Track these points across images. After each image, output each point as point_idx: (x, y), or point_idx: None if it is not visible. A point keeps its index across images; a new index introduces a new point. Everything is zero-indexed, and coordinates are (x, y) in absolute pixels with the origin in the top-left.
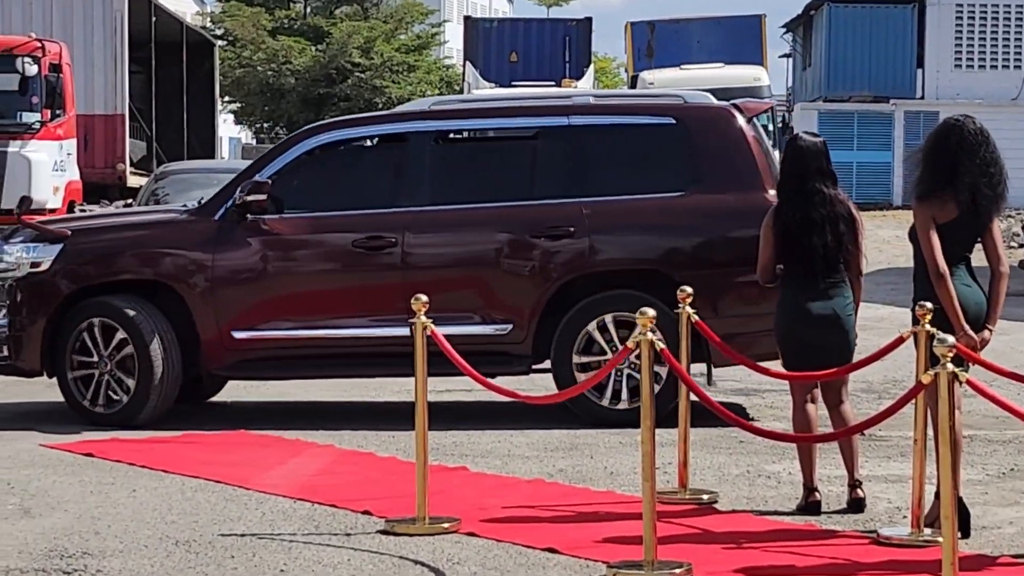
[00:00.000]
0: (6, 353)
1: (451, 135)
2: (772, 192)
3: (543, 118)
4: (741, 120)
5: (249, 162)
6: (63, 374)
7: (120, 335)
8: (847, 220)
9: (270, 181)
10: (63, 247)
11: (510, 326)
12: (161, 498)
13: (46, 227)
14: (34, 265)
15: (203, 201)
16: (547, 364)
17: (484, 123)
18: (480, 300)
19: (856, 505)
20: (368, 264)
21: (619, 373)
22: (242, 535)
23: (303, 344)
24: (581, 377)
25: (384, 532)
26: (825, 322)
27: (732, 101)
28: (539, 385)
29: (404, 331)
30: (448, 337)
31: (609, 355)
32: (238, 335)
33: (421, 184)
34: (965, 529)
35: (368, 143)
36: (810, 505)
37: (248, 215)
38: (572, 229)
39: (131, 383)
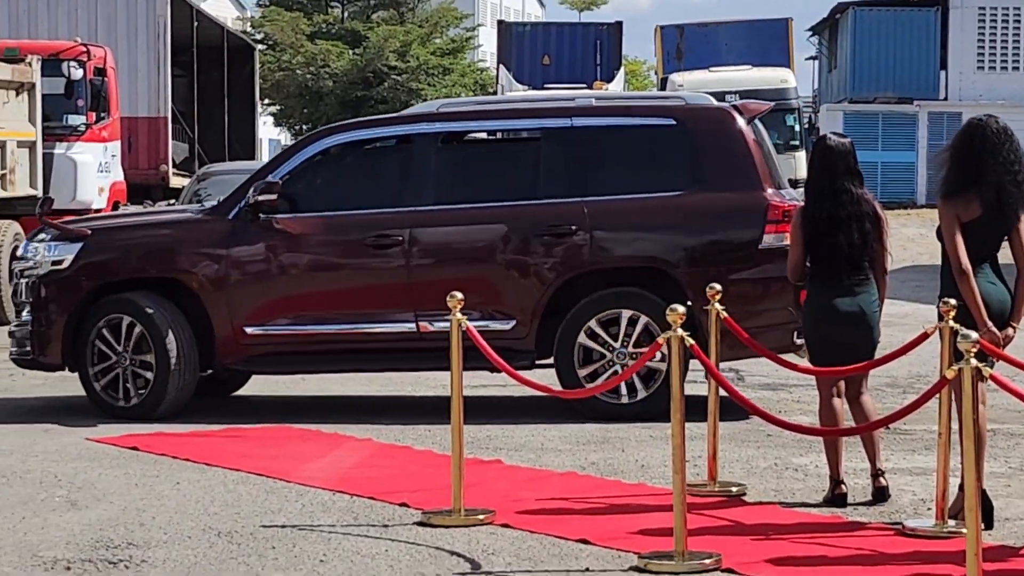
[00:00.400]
0: (29, 348)
1: (456, 136)
2: (770, 191)
3: (546, 120)
4: (741, 121)
5: None
6: (84, 369)
7: (138, 331)
8: (872, 219)
9: (280, 182)
10: (83, 246)
11: (513, 322)
12: (204, 490)
13: (67, 226)
14: (55, 263)
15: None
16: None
17: (489, 125)
18: (484, 297)
19: (880, 494)
20: (375, 262)
21: (616, 367)
22: (283, 526)
23: (313, 340)
24: (582, 372)
25: (421, 523)
26: (852, 319)
27: (739, 102)
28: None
29: (410, 327)
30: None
31: (610, 351)
32: (251, 330)
33: (427, 184)
34: (988, 521)
35: (376, 145)
36: (836, 497)
37: (260, 215)
38: (574, 228)
39: (150, 377)
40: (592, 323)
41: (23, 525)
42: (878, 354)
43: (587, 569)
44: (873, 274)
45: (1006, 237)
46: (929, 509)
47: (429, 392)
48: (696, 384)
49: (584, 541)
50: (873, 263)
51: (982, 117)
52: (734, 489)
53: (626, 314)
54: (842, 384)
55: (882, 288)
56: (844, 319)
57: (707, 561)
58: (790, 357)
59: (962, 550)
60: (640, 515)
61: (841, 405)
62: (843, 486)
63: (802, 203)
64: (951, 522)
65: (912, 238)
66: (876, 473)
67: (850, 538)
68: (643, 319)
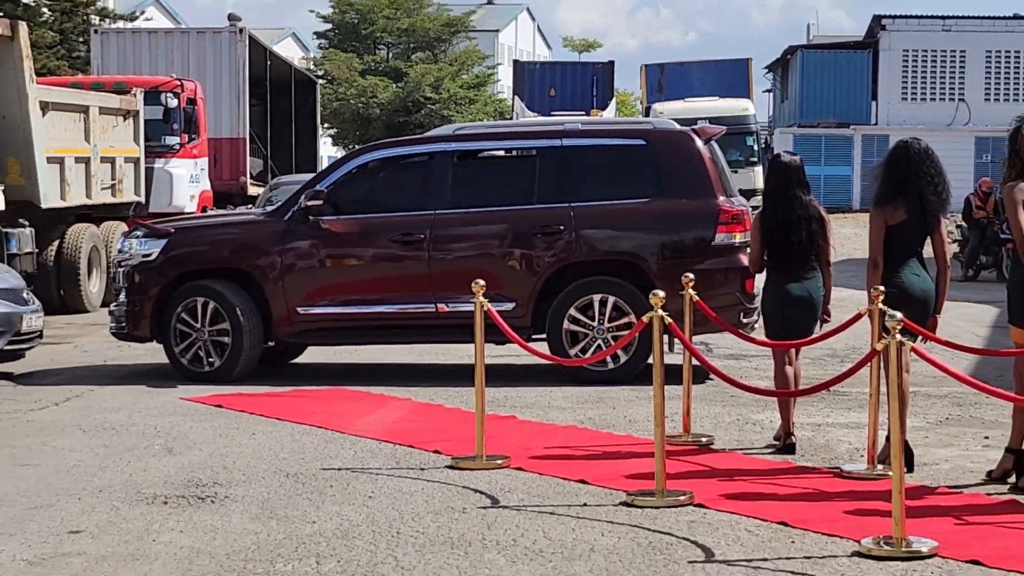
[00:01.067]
0: (124, 324)
1: (469, 154)
2: (722, 198)
3: (541, 140)
4: (699, 142)
5: None
6: (168, 342)
7: (212, 308)
8: (818, 221)
9: (326, 190)
10: (167, 242)
11: (514, 304)
12: (275, 440)
13: (155, 226)
14: (145, 256)
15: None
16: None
17: (495, 144)
18: (489, 284)
19: (790, 449)
20: (401, 255)
21: (597, 341)
22: (339, 469)
23: (351, 318)
24: (569, 345)
25: (450, 467)
26: (802, 302)
27: (699, 126)
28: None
29: (430, 307)
30: (465, 313)
31: (592, 327)
32: (301, 310)
33: (444, 193)
34: (910, 465)
35: (404, 160)
36: (787, 446)
37: (310, 217)
38: (562, 228)
39: (224, 348)
40: (572, 311)
41: (129, 468)
42: (823, 330)
43: (585, 504)
44: (819, 266)
45: (928, 237)
46: (862, 456)
47: (456, 361)
48: (670, 355)
49: (583, 481)
50: (819, 257)
51: (908, 139)
52: (704, 440)
53: (598, 298)
54: (792, 353)
55: (827, 277)
56: (796, 302)
57: (682, 498)
58: (758, 335)
59: (889, 489)
60: (628, 460)
61: (792, 371)
62: (793, 437)
63: (760, 209)
64: (880, 466)
65: (848, 236)
66: (788, 431)
67: (798, 479)
68: (612, 299)
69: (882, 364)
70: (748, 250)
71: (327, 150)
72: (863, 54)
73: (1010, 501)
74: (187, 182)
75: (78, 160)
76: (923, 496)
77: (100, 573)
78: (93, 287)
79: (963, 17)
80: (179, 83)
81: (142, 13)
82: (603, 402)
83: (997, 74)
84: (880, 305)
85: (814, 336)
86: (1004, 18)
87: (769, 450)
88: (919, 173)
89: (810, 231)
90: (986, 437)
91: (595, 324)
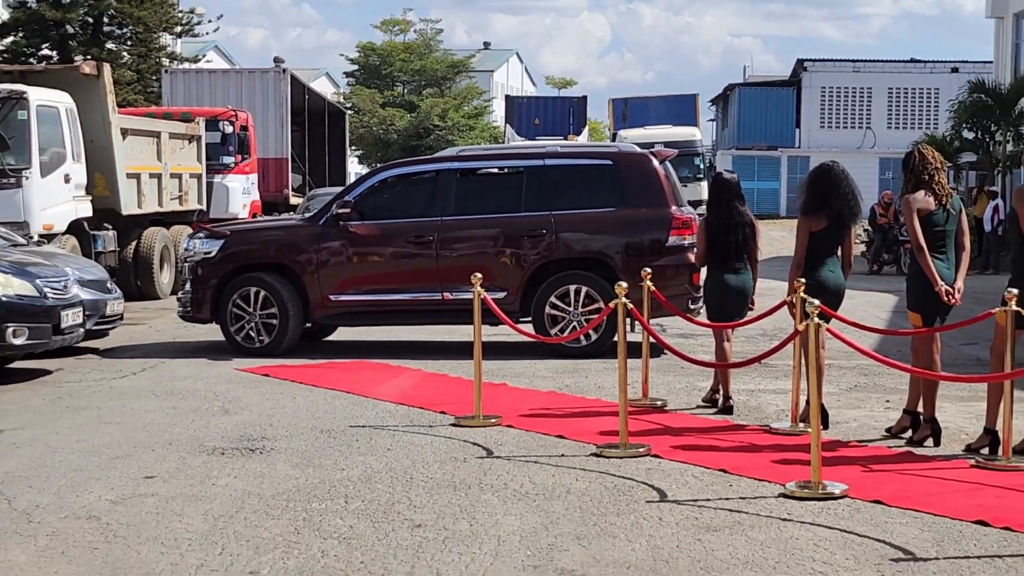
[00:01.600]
0: (189, 308)
1: (469, 171)
2: (674, 208)
3: (527, 160)
4: (655, 162)
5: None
6: (225, 323)
7: (263, 295)
8: (751, 226)
9: (353, 200)
10: (224, 242)
11: (505, 293)
12: (312, 403)
13: (214, 228)
14: (206, 253)
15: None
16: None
17: (490, 163)
18: (486, 276)
19: (728, 410)
20: (414, 253)
21: (573, 323)
22: (363, 427)
23: (373, 304)
24: (550, 326)
25: (454, 425)
26: (737, 291)
27: (655, 149)
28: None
29: (437, 296)
30: (466, 300)
31: (569, 312)
32: (333, 297)
33: (448, 203)
34: (826, 423)
35: (416, 176)
36: (726, 408)
37: (340, 222)
38: (544, 231)
39: (271, 328)
40: (553, 298)
41: (193, 425)
42: (755, 314)
43: (563, 455)
44: (749, 263)
45: (841, 242)
46: (787, 416)
47: (458, 339)
48: (632, 334)
49: (561, 436)
50: (750, 255)
51: (829, 162)
52: (659, 403)
53: (573, 288)
54: (729, 332)
55: (755, 272)
56: (733, 292)
57: (641, 450)
58: (701, 318)
59: (808, 443)
60: (598, 419)
61: (730, 347)
62: (731, 401)
63: (704, 216)
64: (801, 424)
65: (777, 238)
66: (727, 396)
67: (734, 435)
68: (584, 289)
69: (803, 342)
70: (695, 249)
71: (354, 167)
72: (789, 91)
73: (906, 452)
74: (240, 194)
75: (151, 176)
76: (836, 449)
77: (170, 510)
78: (164, 278)
79: (870, 60)
80: (234, 113)
81: (204, 56)
82: (578, 372)
83: (898, 106)
84: (801, 294)
85: (745, 319)
86: (903, 61)
87: (711, 411)
88: (838, 190)
89: (744, 234)
90: (887, 401)
91: (571, 309)
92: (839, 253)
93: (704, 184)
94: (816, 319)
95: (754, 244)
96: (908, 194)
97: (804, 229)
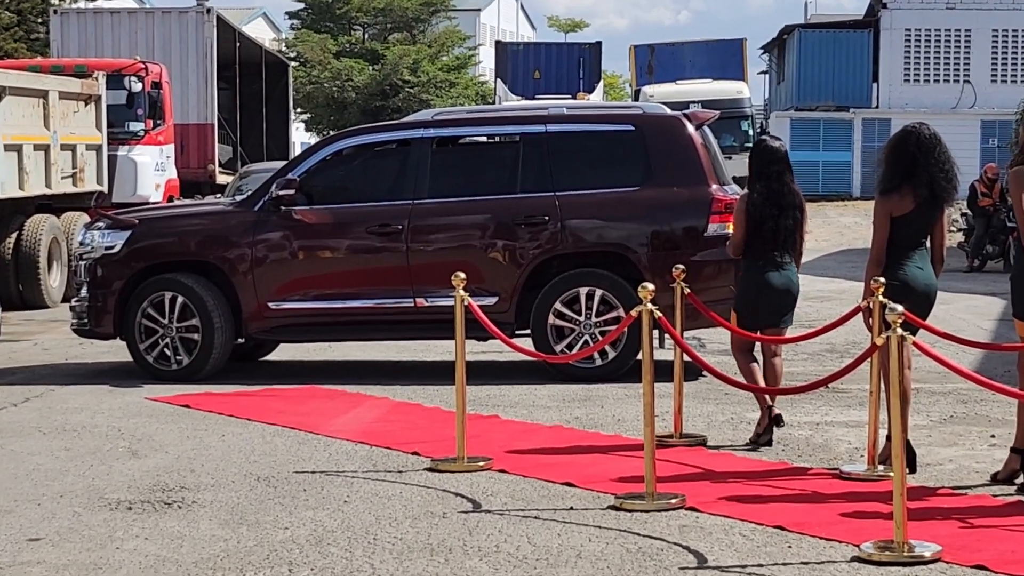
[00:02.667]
0: (86, 320)
1: (448, 140)
2: (715, 186)
3: (524, 126)
4: (690, 127)
5: None
6: (132, 339)
7: (181, 302)
8: (800, 210)
9: (298, 179)
10: (131, 233)
11: (496, 298)
12: (245, 442)
13: (117, 217)
14: (108, 248)
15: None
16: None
17: (476, 130)
18: (471, 276)
19: (778, 420)
20: (378, 247)
21: (584, 337)
22: (312, 472)
23: (325, 313)
24: (559, 347)
25: (430, 469)
26: (781, 292)
27: (690, 110)
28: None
29: (408, 302)
30: (445, 308)
31: (579, 322)
32: (273, 305)
33: (422, 181)
34: (912, 466)
35: (381, 147)
36: (776, 422)
37: (281, 207)
38: (547, 218)
39: (192, 345)
40: (558, 305)
41: (91, 472)
42: (819, 324)
43: (571, 508)
44: (793, 256)
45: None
46: (862, 456)
47: (436, 357)
48: (661, 350)
49: (569, 484)
50: (795, 248)
51: (916, 124)
52: (696, 439)
53: (585, 291)
54: (776, 344)
55: (797, 267)
56: (776, 292)
57: (673, 501)
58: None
59: (889, 490)
60: (616, 462)
61: (756, 367)
62: (779, 419)
63: (746, 192)
64: (880, 467)
65: (848, 225)
66: (775, 414)
67: (794, 480)
68: (599, 292)
69: (883, 360)
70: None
71: (300, 136)
72: (863, 34)
73: (1016, 503)
74: (152, 170)
75: (37, 148)
76: (925, 498)
77: None
78: (53, 281)
79: None
80: (143, 66)
81: None
82: (590, 400)
83: (1004, 54)
84: (881, 298)
85: (813, 331)
86: None
87: (761, 450)
88: (928, 160)
89: (796, 219)
90: (992, 436)
91: (582, 319)
92: (928, 244)
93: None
94: (900, 330)
95: (801, 234)
96: (1018, 165)
97: (883, 213)
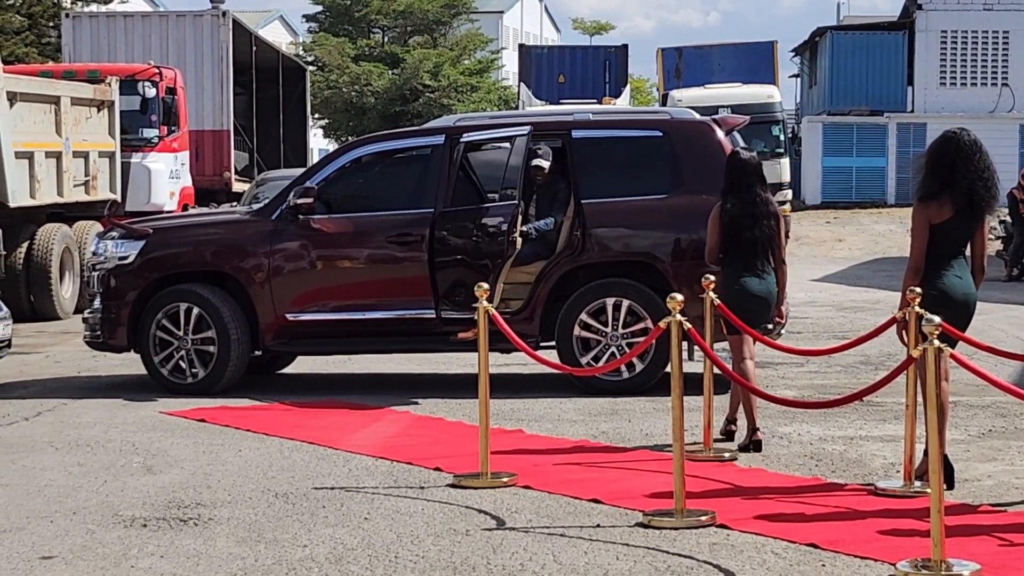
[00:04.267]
0: (100, 332)
1: (470, 147)
2: None
3: (549, 131)
4: (720, 133)
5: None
6: (146, 351)
7: (196, 313)
8: (776, 218)
9: (316, 187)
10: (145, 243)
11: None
12: (263, 457)
13: (131, 226)
14: (121, 258)
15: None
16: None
17: (499, 136)
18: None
19: (757, 446)
20: (399, 257)
21: (611, 349)
22: (332, 488)
23: (345, 325)
24: (580, 353)
25: (453, 486)
26: (760, 300)
27: (720, 115)
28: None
29: (430, 313)
30: (467, 320)
31: (605, 334)
32: (291, 316)
33: (443, 189)
34: (950, 482)
35: (401, 154)
36: (754, 443)
37: (299, 216)
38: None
39: (208, 358)
40: (584, 316)
41: (105, 488)
42: (852, 336)
43: (598, 525)
44: (775, 263)
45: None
46: (898, 472)
47: (459, 371)
48: (690, 363)
49: (596, 501)
50: (775, 256)
51: (956, 130)
52: (726, 455)
53: (611, 301)
54: (753, 348)
55: (781, 275)
56: (755, 299)
57: (703, 518)
58: (785, 341)
59: (926, 507)
60: (644, 478)
61: (752, 365)
62: (759, 433)
63: (720, 202)
64: (917, 483)
65: (883, 233)
66: (753, 427)
67: (828, 497)
68: (626, 303)
69: (919, 373)
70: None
71: (318, 143)
72: (898, 36)
73: None
74: (167, 178)
75: (48, 155)
76: (964, 515)
77: None
78: (66, 292)
79: None
80: (158, 71)
81: None
82: (617, 414)
83: None
84: (917, 308)
85: (847, 342)
86: None
87: (794, 465)
88: (969, 167)
89: (772, 229)
90: None
91: (608, 330)
92: (968, 253)
93: (785, 162)
94: (937, 342)
95: (779, 242)
96: None
97: (922, 220)
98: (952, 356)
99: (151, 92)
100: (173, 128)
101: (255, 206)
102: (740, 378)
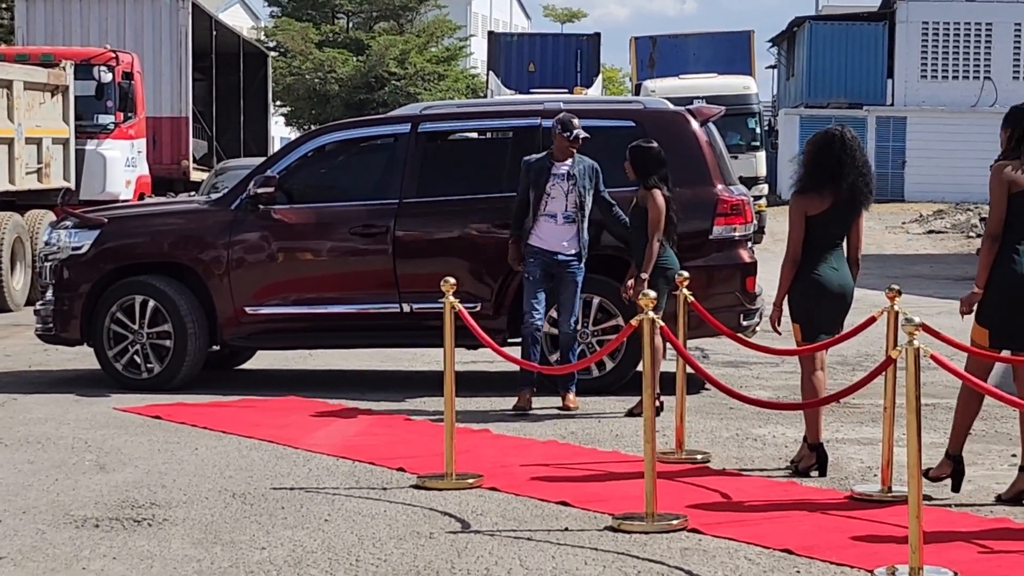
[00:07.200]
0: (52, 325)
1: (437, 136)
2: (720, 187)
3: (518, 120)
4: (695, 123)
5: None
6: (100, 345)
7: (152, 306)
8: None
9: (278, 176)
10: (100, 233)
11: (488, 303)
12: (220, 456)
13: (85, 215)
14: (75, 248)
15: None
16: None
17: (466, 125)
18: (461, 281)
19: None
20: (362, 249)
21: (581, 347)
22: (291, 489)
23: (306, 318)
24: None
25: (416, 487)
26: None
27: (695, 106)
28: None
29: (394, 307)
30: (433, 313)
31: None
32: (250, 310)
33: (409, 179)
34: (957, 485)
35: (365, 143)
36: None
37: (260, 205)
38: None
39: (164, 352)
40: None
41: (56, 487)
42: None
43: (566, 529)
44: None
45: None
46: (875, 475)
47: (423, 367)
48: (662, 362)
49: (564, 503)
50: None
51: (839, 127)
52: (699, 457)
53: (582, 297)
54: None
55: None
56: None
57: (674, 522)
58: (760, 340)
59: (904, 512)
60: (614, 480)
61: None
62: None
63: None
64: (896, 488)
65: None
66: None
67: (804, 501)
68: (596, 299)
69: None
70: (747, 243)
71: (279, 131)
72: (878, 27)
73: None
74: (122, 166)
75: (0, 141)
76: (942, 521)
77: None
78: (16, 283)
79: None
80: (114, 55)
81: None
82: (587, 414)
83: None
84: (896, 307)
85: (823, 342)
86: None
87: (781, 471)
88: (854, 163)
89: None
90: (1013, 455)
91: (579, 327)
92: (844, 245)
93: (761, 155)
94: (916, 342)
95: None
96: (999, 161)
97: (799, 212)
98: (932, 357)
99: (107, 77)
100: (129, 114)
101: (214, 196)
102: (712, 378)
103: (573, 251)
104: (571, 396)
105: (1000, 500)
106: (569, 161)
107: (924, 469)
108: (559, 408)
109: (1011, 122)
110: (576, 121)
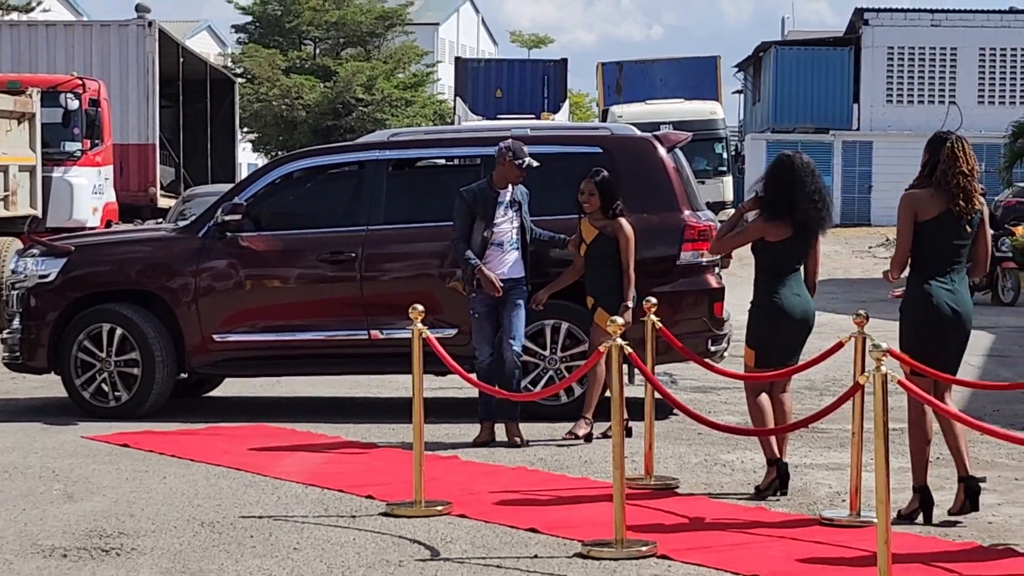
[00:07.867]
0: (19, 353)
1: (405, 163)
2: (687, 212)
3: (486, 147)
4: (662, 150)
5: None
6: (68, 373)
7: (120, 334)
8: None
9: (245, 203)
10: (67, 261)
11: (455, 330)
12: (188, 484)
13: (52, 243)
14: (42, 276)
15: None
16: None
17: (434, 152)
18: (429, 308)
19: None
20: (330, 276)
21: (549, 373)
22: (260, 517)
23: (274, 346)
24: (523, 382)
25: (385, 514)
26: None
27: (662, 132)
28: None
29: (362, 334)
30: (401, 341)
31: (544, 357)
32: (218, 338)
33: (376, 206)
34: (928, 515)
35: (333, 170)
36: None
37: (227, 233)
38: None
39: (132, 380)
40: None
41: (23, 516)
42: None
43: (535, 556)
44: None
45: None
46: (844, 500)
47: (392, 394)
48: (631, 387)
49: (533, 530)
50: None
51: (790, 153)
52: (668, 483)
53: (550, 323)
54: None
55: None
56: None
57: (643, 548)
58: (727, 365)
59: (873, 538)
60: (583, 506)
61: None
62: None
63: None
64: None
65: (827, 254)
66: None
67: (773, 527)
68: (565, 325)
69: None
70: (714, 268)
71: (247, 157)
72: (844, 52)
73: (1007, 549)
74: (89, 193)
75: None
76: (911, 545)
77: None
78: None
79: (954, 11)
80: (81, 82)
81: (39, 3)
82: (555, 441)
83: (991, 74)
84: (863, 331)
85: (792, 367)
86: (999, 12)
87: (750, 497)
88: (805, 189)
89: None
90: (982, 480)
91: (546, 353)
92: (803, 270)
93: (728, 180)
94: (884, 368)
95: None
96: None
97: (758, 236)
98: (899, 383)
99: (74, 104)
100: (96, 142)
101: (181, 223)
102: (680, 404)
103: (518, 275)
104: (514, 427)
105: (899, 517)
106: (510, 187)
107: (896, 512)
108: (506, 442)
109: (928, 149)
110: (526, 148)
